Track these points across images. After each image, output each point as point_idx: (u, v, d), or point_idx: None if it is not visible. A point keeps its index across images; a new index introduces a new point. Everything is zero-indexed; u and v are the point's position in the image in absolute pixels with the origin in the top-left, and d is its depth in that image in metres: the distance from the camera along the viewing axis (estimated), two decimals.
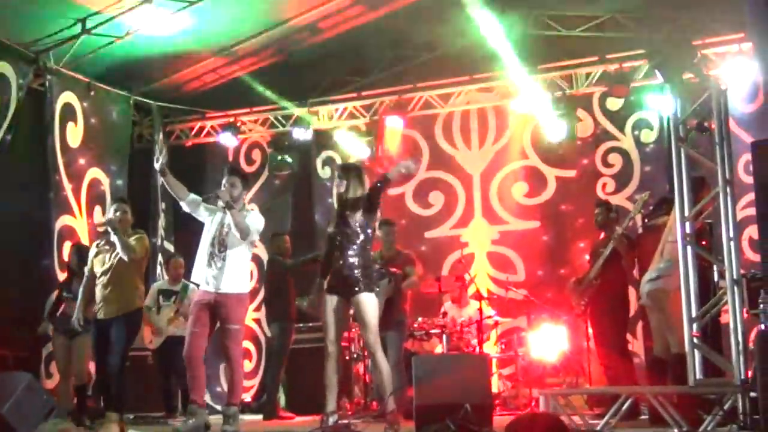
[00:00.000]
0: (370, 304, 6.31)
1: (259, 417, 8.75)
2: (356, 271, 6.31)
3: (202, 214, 6.97)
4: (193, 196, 6.97)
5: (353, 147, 11.11)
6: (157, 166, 6.80)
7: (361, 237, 6.36)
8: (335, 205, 6.56)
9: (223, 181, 6.81)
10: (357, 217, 6.33)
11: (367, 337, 6.32)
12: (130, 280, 7.32)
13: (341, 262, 6.35)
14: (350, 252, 6.34)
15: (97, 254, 7.44)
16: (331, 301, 6.37)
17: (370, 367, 8.33)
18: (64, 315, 8.38)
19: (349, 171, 6.53)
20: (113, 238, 7.06)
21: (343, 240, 6.36)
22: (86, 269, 7.55)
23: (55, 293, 9.05)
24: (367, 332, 6.30)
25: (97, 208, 10.51)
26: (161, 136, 11.62)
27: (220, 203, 6.74)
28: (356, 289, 6.28)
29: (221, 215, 6.84)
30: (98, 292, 7.32)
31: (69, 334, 8.31)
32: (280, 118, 11.45)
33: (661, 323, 6.70)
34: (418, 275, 8.85)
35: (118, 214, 7.21)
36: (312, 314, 6.85)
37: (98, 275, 7.34)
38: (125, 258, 7.06)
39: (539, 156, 10.72)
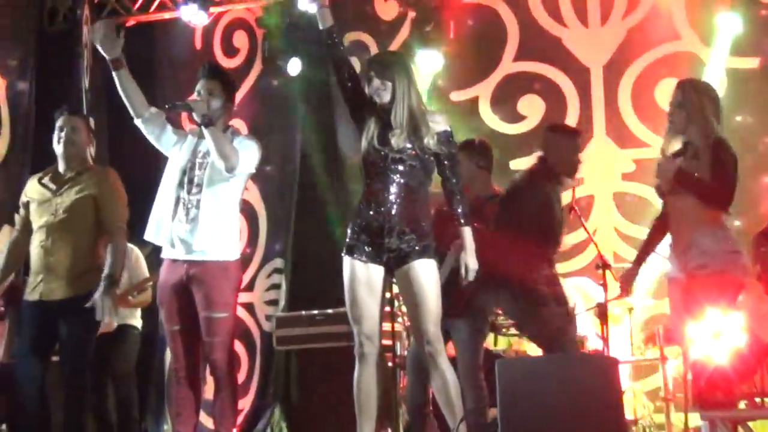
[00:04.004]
0: (428, 275, 5.00)
1: None
2: (405, 225, 4.98)
3: (166, 139, 5.72)
4: (154, 109, 5.73)
5: None
6: (109, 54, 5.39)
7: (414, 168, 4.96)
8: (370, 120, 5.17)
9: (197, 87, 5.68)
10: (409, 138, 4.99)
11: (424, 328, 5.11)
12: (87, 241, 5.70)
13: (381, 207, 4.99)
14: (395, 192, 4.94)
15: (36, 197, 5.81)
16: (364, 270, 5.00)
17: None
18: None
19: (393, 66, 5.11)
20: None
21: (384, 173, 4.99)
22: (16, 217, 6.05)
23: None
24: (425, 321, 5.07)
25: None
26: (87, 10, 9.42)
27: (194, 119, 5.64)
28: (406, 252, 4.99)
29: (194, 140, 5.61)
30: (37, 258, 5.77)
31: None
32: None
33: None
34: None
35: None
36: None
37: (36, 231, 5.81)
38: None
39: (699, 36, 8.17)
